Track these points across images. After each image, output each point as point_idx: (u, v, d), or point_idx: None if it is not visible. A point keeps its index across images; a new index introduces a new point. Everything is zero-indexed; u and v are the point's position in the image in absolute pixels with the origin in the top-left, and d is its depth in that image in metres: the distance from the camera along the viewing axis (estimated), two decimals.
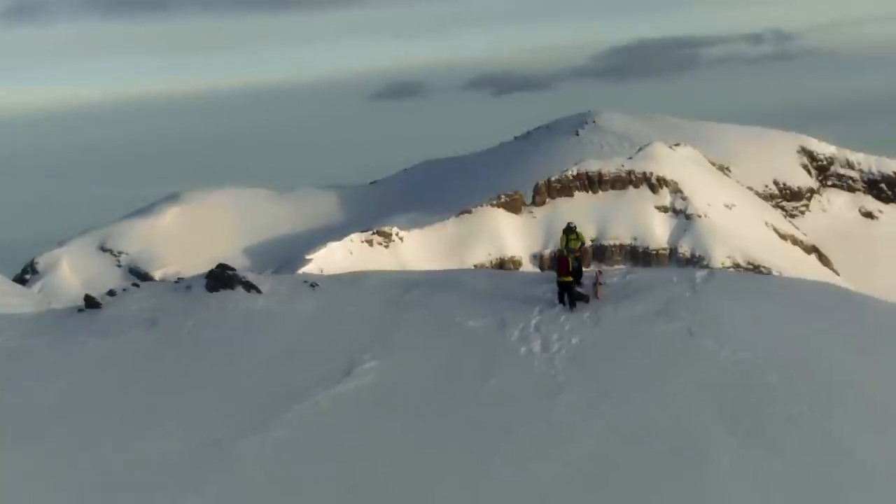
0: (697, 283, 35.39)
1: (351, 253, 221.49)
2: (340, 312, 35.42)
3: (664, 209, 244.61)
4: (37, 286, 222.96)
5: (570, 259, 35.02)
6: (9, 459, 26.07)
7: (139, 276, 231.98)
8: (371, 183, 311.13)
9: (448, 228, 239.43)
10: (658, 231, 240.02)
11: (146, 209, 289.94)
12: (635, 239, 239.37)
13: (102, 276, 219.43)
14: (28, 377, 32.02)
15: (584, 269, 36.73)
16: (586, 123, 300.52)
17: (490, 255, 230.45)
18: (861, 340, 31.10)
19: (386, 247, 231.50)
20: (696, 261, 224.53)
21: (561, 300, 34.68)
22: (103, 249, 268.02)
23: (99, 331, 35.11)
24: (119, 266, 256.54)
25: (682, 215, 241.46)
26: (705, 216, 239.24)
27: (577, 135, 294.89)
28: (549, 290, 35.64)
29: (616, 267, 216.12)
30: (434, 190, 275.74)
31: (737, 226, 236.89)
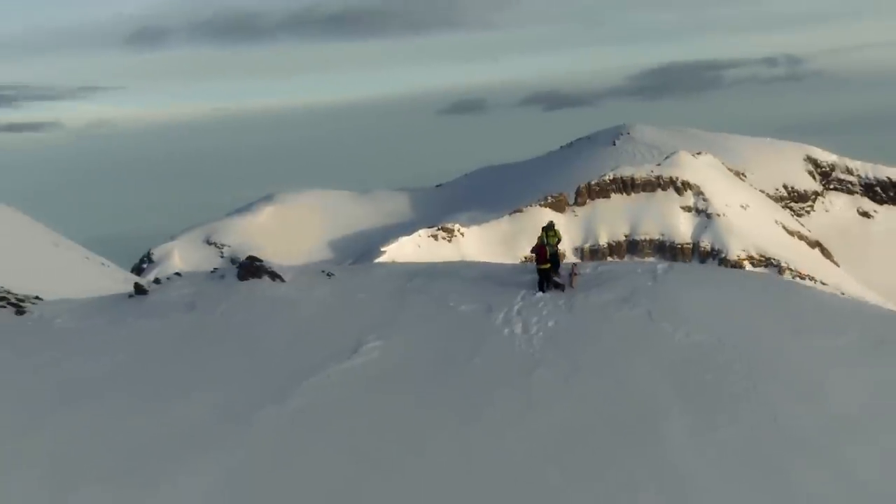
0: (658, 274, 34.62)
1: (419, 246, 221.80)
2: (351, 298, 34.86)
3: (688, 209, 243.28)
4: (152, 274, 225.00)
5: (547, 250, 34.47)
6: (66, 422, 25.90)
7: None
8: (437, 186, 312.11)
9: (503, 225, 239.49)
10: (683, 228, 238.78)
11: (245, 208, 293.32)
12: (663, 235, 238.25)
13: (207, 266, 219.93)
14: (83, 353, 31.69)
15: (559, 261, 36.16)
16: (622, 135, 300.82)
17: None
18: (800, 325, 30.19)
19: (449, 241, 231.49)
20: (715, 254, 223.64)
21: (541, 288, 33.95)
22: (209, 242, 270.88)
23: (145, 314, 34.80)
24: (222, 257, 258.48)
25: (704, 214, 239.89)
26: (723, 215, 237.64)
27: (614, 145, 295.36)
28: (531, 279, 35.07)
29: (647, 259, 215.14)
30: (491, 192, 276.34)
31: (751, 224, 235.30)
